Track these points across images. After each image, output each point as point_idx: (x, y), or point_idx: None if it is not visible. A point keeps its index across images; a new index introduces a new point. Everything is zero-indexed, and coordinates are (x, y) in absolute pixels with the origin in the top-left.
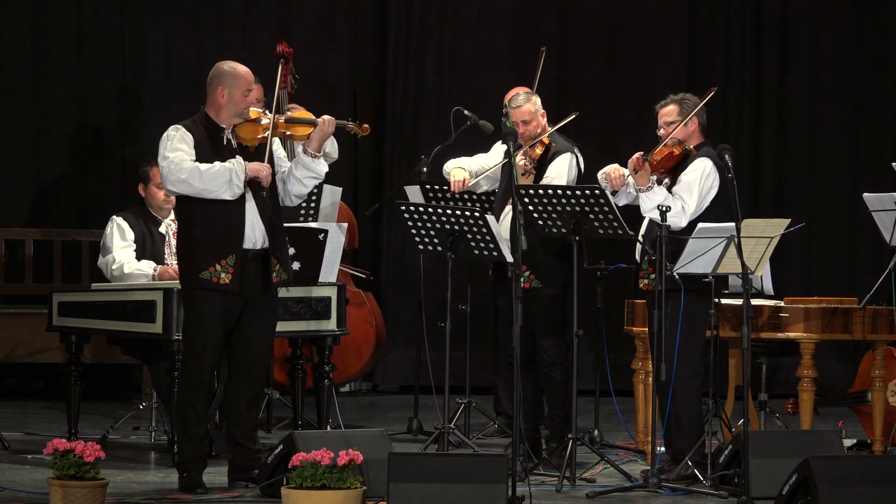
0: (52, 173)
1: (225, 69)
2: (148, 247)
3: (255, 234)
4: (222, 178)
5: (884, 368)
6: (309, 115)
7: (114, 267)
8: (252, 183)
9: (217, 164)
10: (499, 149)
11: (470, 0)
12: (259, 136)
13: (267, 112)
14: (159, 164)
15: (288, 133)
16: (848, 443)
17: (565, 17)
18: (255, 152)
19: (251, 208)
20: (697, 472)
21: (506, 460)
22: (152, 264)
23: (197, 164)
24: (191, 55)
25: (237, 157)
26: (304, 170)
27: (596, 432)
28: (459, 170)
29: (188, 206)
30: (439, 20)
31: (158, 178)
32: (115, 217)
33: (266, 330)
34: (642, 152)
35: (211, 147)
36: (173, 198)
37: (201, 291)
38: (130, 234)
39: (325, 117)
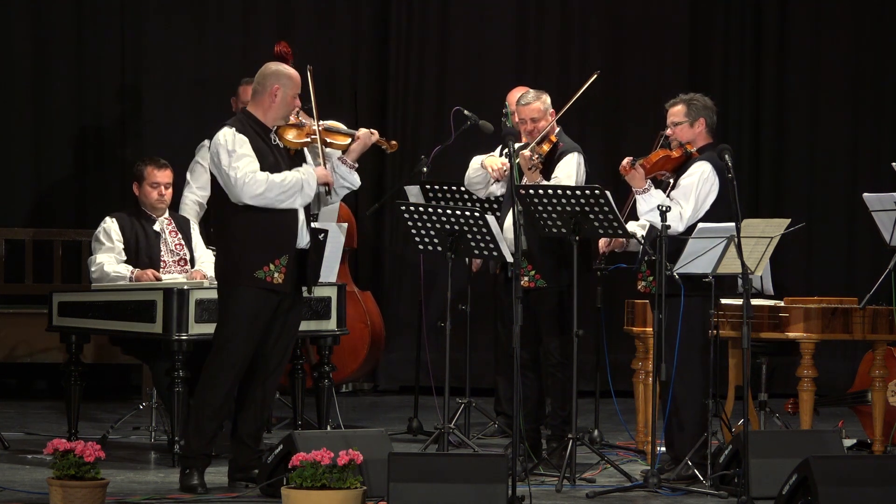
0: (52, 173)
1: (281, 70)
2: (143, 246)
3: (303, 235)
4: (295, 189)
5: (884, 368)
6: (344, 127)
7: (93, 269)
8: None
9: (288, 175)
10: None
11: (471, 0)
12: (302, 141)
13: (307, 120)
14: (227, 174)
15: (328, 141)
16: (848, 443)
17: (566, 16)
18: (295, 156)
19: (301, 210)
20: (697, 472)
21: (506, 460)
22: (129, 268)
23: (269, 175)
24: (191, 55)
25: (303, 164)
26: (341, 179)
27: (596, 432)
28: (494, 158)
29: (238, 208)
30: (440, 20)
31: (152, 177)
32: (106, 218)
33: (293, 331)
34: (632, 157)
35: (265, 147)
36: (167, 197)
37: (253, 290)
38: (118, 236)
39: (365, 130)
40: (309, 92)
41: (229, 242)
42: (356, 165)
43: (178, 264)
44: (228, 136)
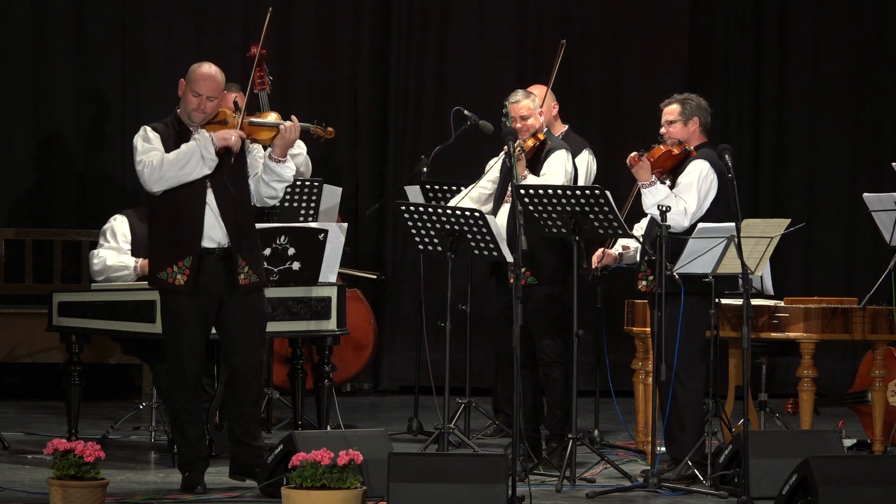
0: (53, 173)
1: (192, 66)
2: None
3: (215, 233)
4: (194, 158)
5: (884, 368)
6: (277, 119)
7: (95, 262)
8: (222, 161)
9: (183, 146)
10: (492, 165)
11: (471, 0)
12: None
13: (235, 115)
14: (136, 169)
15: (252, 136)
16: (848, 443)
17: (566, 16)
18: (225, 154)
19: (212, 207)
20: (697, 472)
21: (506, 460)
22: (133, 259)
23: (161, 156)
24: (190, 55)
25: (200, 130)
26: (271, 173)
27: (596, 432)
28: None
29: (150, 207)
30: (441, 20)
31: None
32: (116, 216)
33: (247, 330)
34: (639, 151)
35: (178, 146)
36: None
37: (163, 293)
38: (127, 235)
39: (287, 123)
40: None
41: (149, 246)
42: (285, 159)
43: None
44: (139, 134)
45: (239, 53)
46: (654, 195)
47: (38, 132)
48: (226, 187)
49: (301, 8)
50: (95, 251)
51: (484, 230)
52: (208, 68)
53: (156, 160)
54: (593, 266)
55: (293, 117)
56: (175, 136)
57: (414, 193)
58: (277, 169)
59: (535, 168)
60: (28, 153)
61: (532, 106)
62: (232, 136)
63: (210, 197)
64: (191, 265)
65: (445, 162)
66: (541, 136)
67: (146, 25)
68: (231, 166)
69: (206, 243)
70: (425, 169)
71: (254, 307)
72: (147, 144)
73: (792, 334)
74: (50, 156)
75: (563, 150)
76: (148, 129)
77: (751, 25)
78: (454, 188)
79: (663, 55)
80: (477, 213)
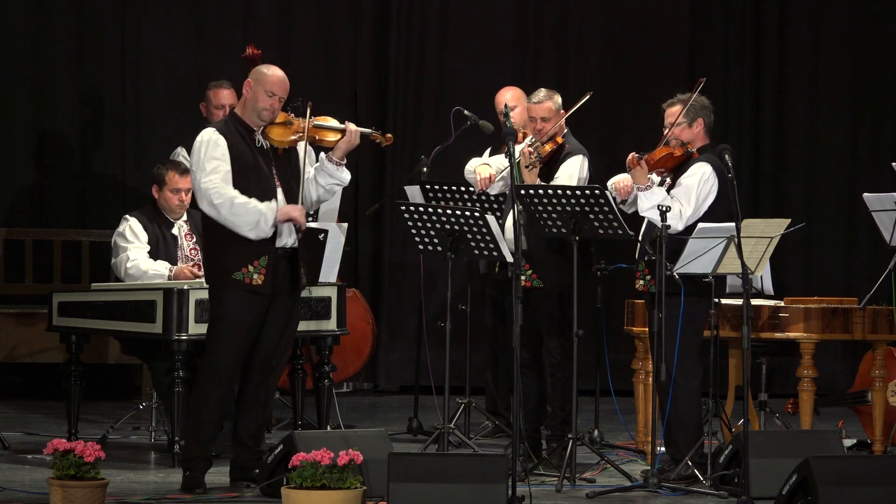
0: (52, 173)
1: (260, 68)
2: (161, 248)
3: (286, 233)
4: (250, 218)
5: (884, 368)
6: (335, 122)
7: (129, 265)
8: (282, 184)
9: (253, 201)
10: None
11: (471, 0)
12: (290, 139)
13: (296, 116)
14: (197, 176)
15: (317, 138)
16: (848, 443)
17: (566, 16)
18: (284, 154)
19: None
20: (697, 472)
21: (506, 460)
22: (167, 264)
23: (233, 194)
24: (190, 55)
25: (273, 200)
26: (329, 177)
27: (596, 432)
28: (485, 166)
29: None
30: (440, 19)
31: (173, 183)
32: (127, 217)
33: (289, 331)
34: (638, 153)
35: (246, 149)
36: (187, 202)
37: (233, 291)
38: (144, 236)
39: (353, 128)
40: (299, 97)
41: (211, 243)
42: (344, 162)
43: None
44: (205, 137)
45: (239, 53)
46: (649, 199)
47: (38, 131)
48: (292, 189)
49: (301, 8)
50: (124, 255)
51: (484, 230)
52: (279, 70)
53: (223, 191)
54: (622, 195)
55: (353, 124)
56: (239, 137)
57: (414, 193)
58: (337, 173)
59: (551, 171)
60: (28, 153)
61: (554, 108)
62: (295, 213)
63: (281, 197)
64: (267, 265)
65: (445, 162)
66: (559, 140)
67: (146, 25)
68: (292, 170)
69: (278, 242)
70: (425, 169)
71: (295, 310)
72: (213, 151)
73: (792, 334)
74: (50, 155)
75: (580, 156)
76: (213, 132)
77: (751, 25)
78: (454, 188)
79: (663, 55)
80: (477, 213)
